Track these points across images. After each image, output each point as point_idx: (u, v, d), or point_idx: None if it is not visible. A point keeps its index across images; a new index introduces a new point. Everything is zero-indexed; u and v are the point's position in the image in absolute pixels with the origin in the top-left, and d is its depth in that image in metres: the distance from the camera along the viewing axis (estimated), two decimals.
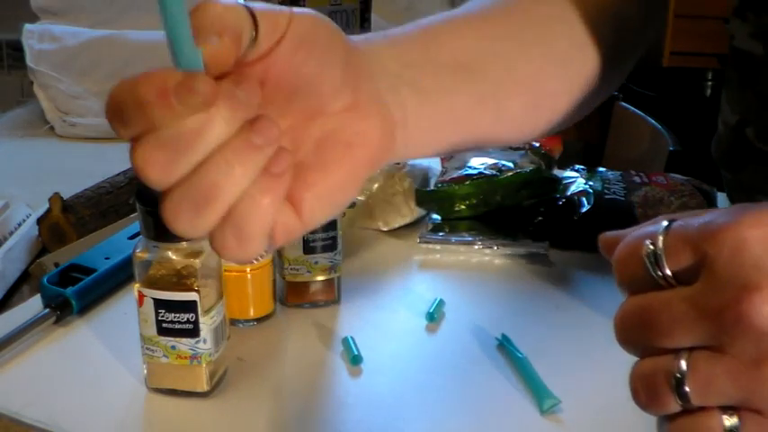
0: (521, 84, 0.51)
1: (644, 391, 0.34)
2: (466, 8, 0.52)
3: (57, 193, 0.80)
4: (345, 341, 0.60)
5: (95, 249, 0.71)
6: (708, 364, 0.31)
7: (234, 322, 0.63)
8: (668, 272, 0.32)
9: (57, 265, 0.70)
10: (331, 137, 0.38)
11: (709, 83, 2.28)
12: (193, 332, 0.53)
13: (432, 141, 0.47)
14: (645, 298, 0.33)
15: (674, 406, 0.32)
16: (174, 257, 0.52)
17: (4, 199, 0.84)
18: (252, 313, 0.64)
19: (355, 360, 0.58)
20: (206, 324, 0.53)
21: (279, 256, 0.66)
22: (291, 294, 0.67)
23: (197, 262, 0.52)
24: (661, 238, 0.32)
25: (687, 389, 0.31)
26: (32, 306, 0.65)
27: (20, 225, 0.82)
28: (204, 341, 0.53)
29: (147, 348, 0.54)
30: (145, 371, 0.55)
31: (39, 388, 0.56)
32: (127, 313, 0.64)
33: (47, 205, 0.80)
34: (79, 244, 0.77)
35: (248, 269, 0.62)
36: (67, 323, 0.64)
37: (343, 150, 0.38)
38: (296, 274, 0.66)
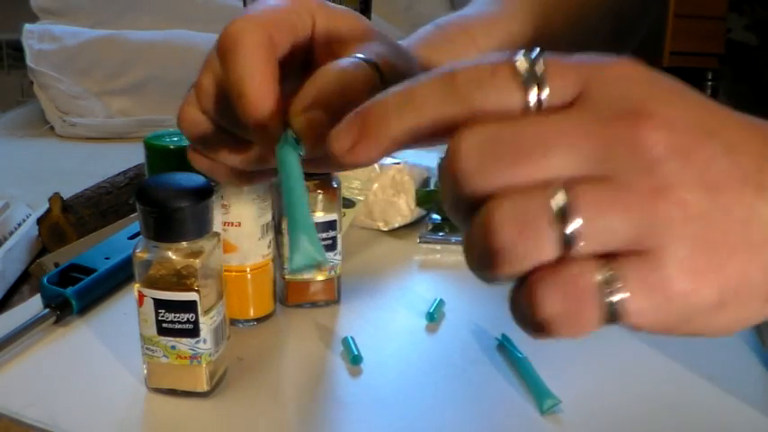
0: None
1: (514, 226, 0.26)
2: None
3: (57, 193, 0.80)
4: (345, 341, 0.60)
5: (95, 249, 0.71)
6: (597, 194, 0.26)
7: (234, 322, 0.63)
8: (546, 95, 0.27)
9: (57, 265, 0.70)
10: None
11: (709, 83, 2.28)
12: (193, 332, 0.53)
13: None
14: (507, 121, 0.27)
15: (548, 253, 0.26)
16: (174, 257, 0.52)
17: (4, 199, 0.84)
18: (252, 313, 0.64)
19: (355, 360, 0.58)
20: (206, 324, 0.53)
21: (279, 256, 0.66)
22: (291, 294, 0.67)
23: (197, 262, 0.52)
24: (540, 60, 0.27)
25: (573, 227, 0.26)
26: (32, 306, 0.65)
27: (20, 225, 0.82)
28: (204, 341, 0.53)
29: (147, 348, 0.54)
30: (145, 371, 0.55)
31: (39, 388, 0.56)
32: (127, 313, 0.64)
33: (47, 205, 0.80)
34: (79, 244, 0.77)
35: (248, 269, 0.62)
36: (67, 323, 0.64)
37: None
38: (296, 274, 0.66)
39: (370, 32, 0.43)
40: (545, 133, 0.26)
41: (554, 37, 0.56)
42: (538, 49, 0.28)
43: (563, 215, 0.26)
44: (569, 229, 0.26)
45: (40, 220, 0.80)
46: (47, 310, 0.62)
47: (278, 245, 0.65)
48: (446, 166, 0.27)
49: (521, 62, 0.27)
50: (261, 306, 0.65)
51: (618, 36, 0.61)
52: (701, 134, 0.27)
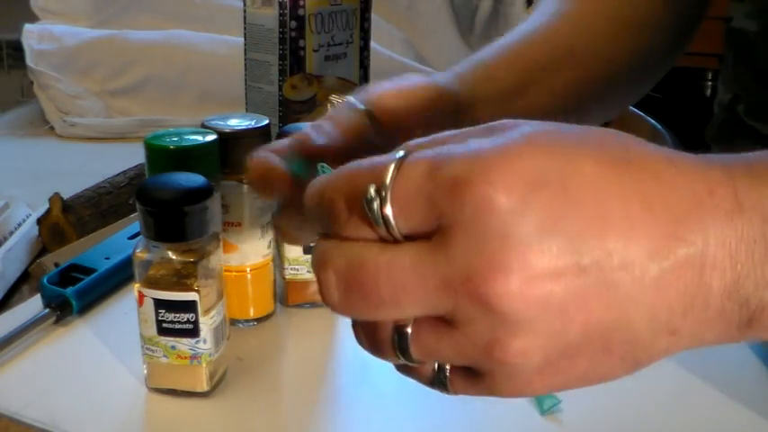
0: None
1: (367, 344, 0.31)
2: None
3: (57, 193, 0.80)
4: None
5: (95, 249, 0.71)
6: (434, 338, 0.28)
7: (234, 322, 0.63)
8: (395, 230, 0.27)
9: (57, 265, 0.70)
10: None
11: (709, 83, 2.27)
12: (193, 332, 0.53)
13: None
14: (361, 255, 0.28)
15: (397, 360, 0.30)
16: (174, 257, 0.52)
17: (3, 199, 0.84)
18: (252, 313, 0.64)
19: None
20: (206, 324, 0.53)
21: (279, 256, 0.66)
22: (291, 294, 0.67)
23: (197, 262, 0.52)
24: (389, 183, 0.27)
25: (411, 353, 0.29)
26: (32, 306, 0.65)
27: (20, 225, 0.82)
28: (204, 341, 0.53)
29: (147, 348, 0.54)
30: (145, 371, 0.55)
31: (39, 388, 0.56)
32: (127, 313, 0.64)
33: (47, 205, 0.80)
34: (79, 244, 0.76)
35: (248, 269, 0.62)
36: (67, 323, 0.64)
37: None
38: (296, 274, 0.66)
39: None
40: (397, 282, 0.27)
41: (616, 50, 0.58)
42: (390, 174, 0.27)
43: (403, 348, 0.29)
44: (409, 355, 0.29)
45: (40, 220, 0.80)
46: (47, 310, 0.62)
47: (278, 245, 0.65)
48: (320, 293, 0.30)
49: (369, 199, 0.27)
50: (261, 306, 0.65)
51: (680, 35, 0.62)
52: (554, 309, 0.26)
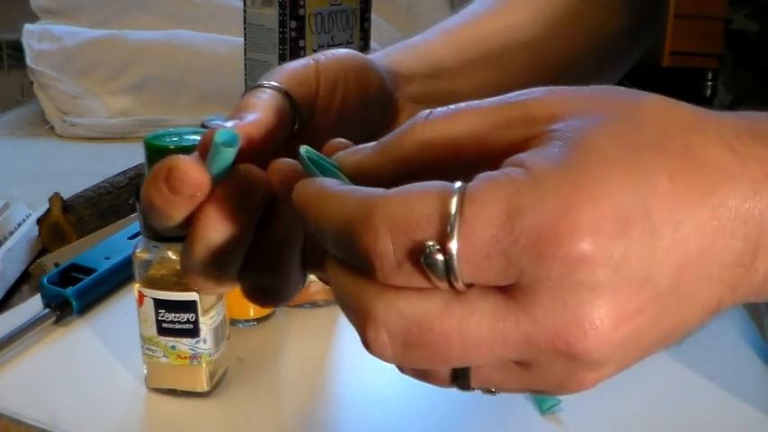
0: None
1: (414, 374, 0.28)
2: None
3: (57, 193, 0.80)
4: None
5: (95, 249, 0.71)
6: (501, 375, 0.26)
7: (234, 322, 0.63)
8: (459, 285, 0.24)
9: (57, 265, 0.70)
10: None
11: (709, 83, 2.27)
12: (193, 332, 0.53)
13: None
14: (422, 314, 0.24)
15: (448, 387, 0.27)
16: (174, 257, 0.52)
17: (4, 199, 0.84)
18: (252, 313, 0.64)
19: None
20: (206, 324, 0.53)
21: None
22: None
23: None
24: (455, 236, 0.23)
25: (470, 386, 0.27)
26: (32, 306, 0.65)
27: (20, 225, 0.82)
28: (204, 341, 0.53)
29: (147, 348, 0.54)
30: (145, 371, 0.55)
31: (39, 388, 0.56)
32: (127, 313, 0.64)
33: (47, 205, 0.80)
34: (79, 244, 0.76)
35: None
36: (67, 323, 0.64)
37: None
38: None
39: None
40: (470, 343, 0.24)
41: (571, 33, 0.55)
42: (454, 220, 0.23)
43: (461, 383, 0.27)
44: (468, 387, 0.27)
45: (40, 220, 0.80)
46: (47, 310, 0.62)
47: None
48: (363, 343, 0.26)
49: (429, 254, 0.23)
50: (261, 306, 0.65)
51: (636, 32, 0.60)
52: (639, 351, 0.26)
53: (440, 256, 0.23)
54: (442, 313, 0.24)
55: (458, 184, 0.24)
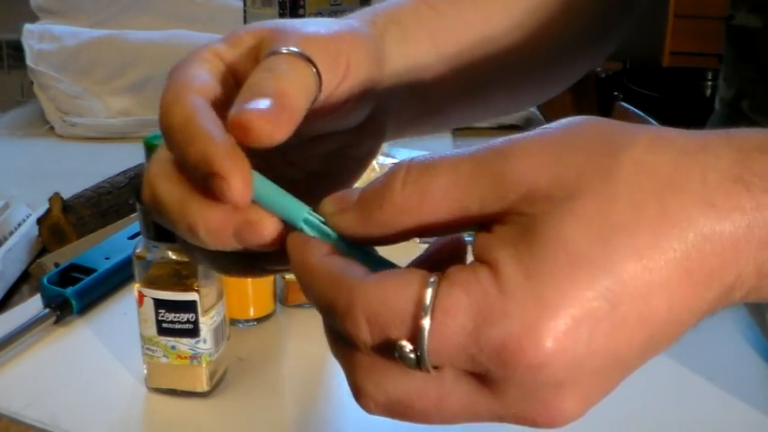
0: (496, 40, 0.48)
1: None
2: None
3: (57, 193, 0.80)
4: None
5: (95, 249, 0.71)
6: (476, 419, 0.28)
7: (234, 322, 0.63)
8: (431, 372, 0.26)
9: (57, 265, 0.70)
10: (342, 153, 0.38)
11: (709, 83, 2.28)
12: (193, 332, 0.53)
13: (411, 105, 0.43)
14: (403, 394, 0.27)
15: None
16: (174, 257, 0.52)
17: (4, 199, 0.84)
18: (252, 313, 0.64)
19: None
20: (206, 324, 0.53)
21: None
22: (291, 294, 0.67)
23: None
24: (426, 341, 0.25)
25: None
26: (32, 306, 0.65)
27: (20, 225, 0.82)
28: (204, 341, 0.53)
29: (147, 348, 0.54)
30: (145, 371, 0.55)
31: (39, 388, 0.56)
32: (127, 313, 0.64)
33: (47, 205, 0.80)
34: (79, 244, 0.76)
35: None
36: (67, 323, 0.64)
37: (354, 164, 0.39)
38: None
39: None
40: (448, 417, 0.27)
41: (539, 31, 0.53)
42: (426, 333, 0.25)
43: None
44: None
45: (40, 220, 0.80)
46: (47, 310, 0.62)
47: None
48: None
49: (401, 352, 0.25)
50: (261, 306, 0.65)
51: (602, 34, 0.59)
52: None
53: (411, 354, 0.25)
54: (421, 395, 0.27)
55: (432, 278, 0.25)
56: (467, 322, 0.25)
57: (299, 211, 0.30)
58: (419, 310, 0.25)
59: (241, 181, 0.29)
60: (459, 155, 0.27)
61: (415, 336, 0.25)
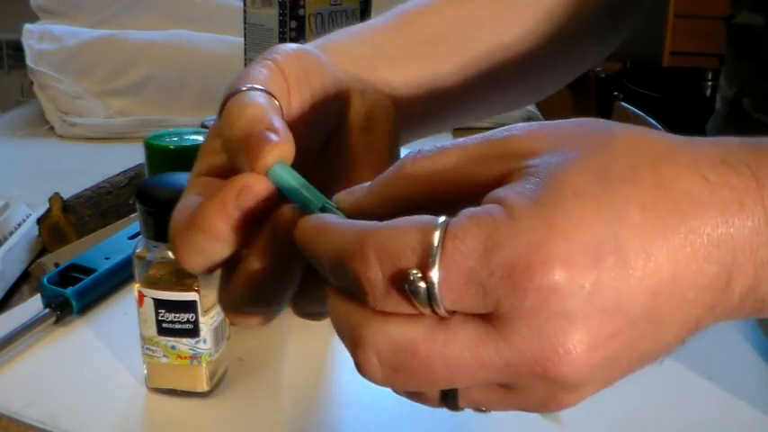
0: (509, 48, 0.49)
1: (405, 394, 0.30)
2: None
3: (57, 193, 0.80)
4: None
5: (95, 249, 0.71)
6: (487, 395, 0.29)
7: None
8: (441, 311, 0.26)
9: (57, 265, 0.70)
10: (342, 153, 0.39)
11: (709, 83, 2.28)
12: (193, 332, 0.53)
13: (427, 115, 0.45)
14: (408, 339, 0.26)
15: (438, 407, 0.31)
16: (173, 257, 0.52)
17: (4, 199, 0.84)
18: None
19: None
20: (206, 324, 0.53)
21: None
22: None
23: None
24: (436, 267, 0.25)
25: (458, 406, 0.30)
26: (32, 306, 0.65)
27: (20, 225, 0.82)
28: (204, 341, 0.53)
29: (147, 348, 0.54)
30: (145, 371, 0.55)
31: (39, 388, 0.56)
32: (127, 313, 0.64)
33: (47, 205, 0.80)
34: (79, 244, 0.76)
35: None
36: (67, 323, 0.64)
37: (351, 166, 0.39)
38: None
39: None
40: (453, 366, 0.26)
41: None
42: (435, 252, 0.25)
43: (450, 403, 0.30)
44: (457, 407, 0.30)
45: (40, 220, 0.80)
46: (47, 310, 0.62)
47: None
48: (355, 366, 0.28)
49: (412, 282, 0.25)
50: None
51: (612, 26, 0.59)
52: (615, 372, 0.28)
53: (422, 284, 0.25)
54: (427, 338, 0.26)
55: (442, 218, 0.26)
56: (477, 245, 0.25)
57: (318, 200, 0.31)
58: (429, 238, 0.25)
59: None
60: (466, 139, 0.29)
61: (426, 264, 0.25)
